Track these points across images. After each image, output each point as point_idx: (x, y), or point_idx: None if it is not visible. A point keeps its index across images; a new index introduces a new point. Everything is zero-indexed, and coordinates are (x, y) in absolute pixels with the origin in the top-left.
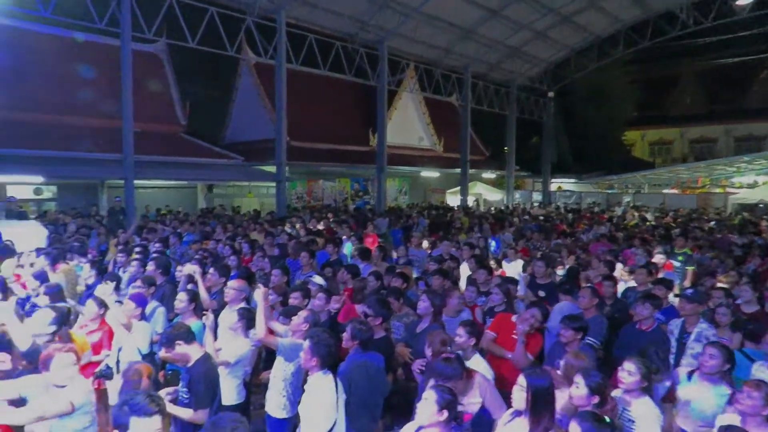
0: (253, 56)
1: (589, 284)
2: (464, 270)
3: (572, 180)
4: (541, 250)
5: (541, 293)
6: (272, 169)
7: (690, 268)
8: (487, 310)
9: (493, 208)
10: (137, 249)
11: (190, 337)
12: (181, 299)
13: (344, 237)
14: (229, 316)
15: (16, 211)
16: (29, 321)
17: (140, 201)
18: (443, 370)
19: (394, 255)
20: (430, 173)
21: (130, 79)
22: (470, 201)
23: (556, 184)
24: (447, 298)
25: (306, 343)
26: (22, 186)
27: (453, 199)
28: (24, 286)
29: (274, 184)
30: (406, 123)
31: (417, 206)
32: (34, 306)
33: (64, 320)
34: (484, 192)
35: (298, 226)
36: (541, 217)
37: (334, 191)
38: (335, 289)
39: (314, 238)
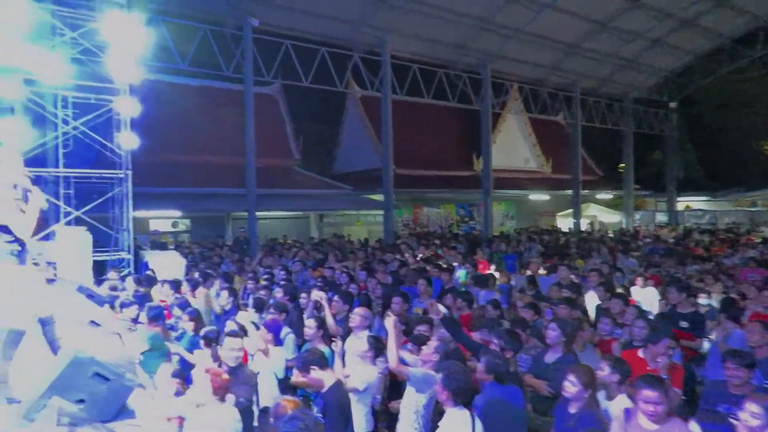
0: (359, 90)
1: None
2: (590, 299)
3: (703, 198)
4: (676, 277)
5: (684, 324)
6: (379, 197)
7: None
8: (625, 343)
9: (610, 231)
10: (265, 276)
11: (324, 362)
12: (310, 326)
13: (456, 264)
14: (356, 343)
15: (158, 242)
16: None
17: (259, 231)
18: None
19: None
20: (538, 196)
21: (252, 121)
22: (584, 224)
23: (683, 202)
24: (577, 329)
25: (438, 377)
26: (161, 220)
27: (564, 223)
28: (168, 312)
29: (381, 212)
30: (512, 145)
31: (526, 231)
32: (181, 330)
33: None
34: (599, 214)
35: (406, 255)
36: (671, 240)
37: (439, 217)
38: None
39: (425, 266)
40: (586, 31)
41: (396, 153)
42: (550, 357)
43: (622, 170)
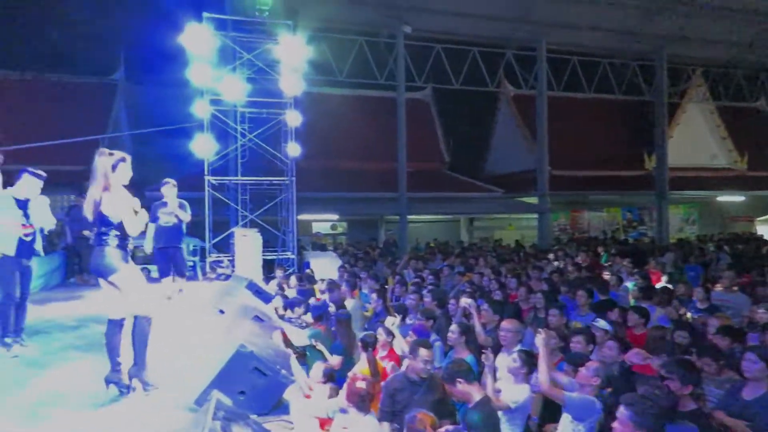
0: (512, 88)
1: None
2: None
3: None
4: None
5: None
6: (533, 200)
7: None
8: None
9: None
10: (415, 280)
11: (470, 376)
12: (453, 331)
13: (624, 274)
14: (507, 358)
15: (318, 244)
16: None
17: (410, 234)
18: None
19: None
20: (729, 197)
21: (404, 127)
22: None
23: None
24: None
25: (622, 411)
26: (321, 222)
27: (767, 230)
28: None
29: (535, 215)
30: (693, 139)
31: (713, 238)
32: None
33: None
34: None
35: (556, 262)
36: None
37: (602, 222)
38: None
39: (589, 274)
40: None
41: (552, 153)
42: (750, 393)
43: None
